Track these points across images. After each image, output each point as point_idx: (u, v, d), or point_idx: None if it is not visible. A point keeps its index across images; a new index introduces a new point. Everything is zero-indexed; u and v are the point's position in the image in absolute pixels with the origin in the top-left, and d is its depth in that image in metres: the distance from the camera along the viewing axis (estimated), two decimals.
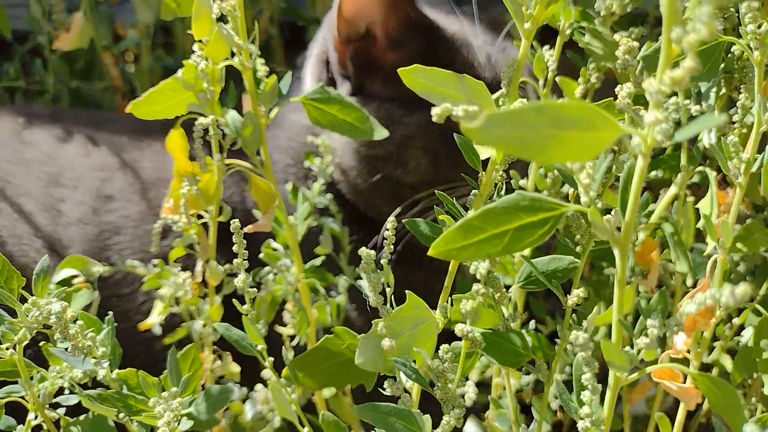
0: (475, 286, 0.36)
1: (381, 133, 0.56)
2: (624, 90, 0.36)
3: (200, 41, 0.48)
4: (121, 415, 0.48)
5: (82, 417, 0.52)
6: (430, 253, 0.33)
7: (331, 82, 0.73)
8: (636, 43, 0.36)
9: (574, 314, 0.55)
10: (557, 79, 0.55)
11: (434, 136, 0.67)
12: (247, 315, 0.42)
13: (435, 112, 0.31)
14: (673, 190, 0.55)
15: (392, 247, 0.40)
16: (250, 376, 0.67)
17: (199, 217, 0.54)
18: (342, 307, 0.68)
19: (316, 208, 0.71)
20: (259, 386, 0.66)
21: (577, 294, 0.41)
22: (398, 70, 0.36)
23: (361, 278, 0.70)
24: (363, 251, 0.36)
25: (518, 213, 0.32)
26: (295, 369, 0.47)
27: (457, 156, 0.65)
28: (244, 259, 0.43)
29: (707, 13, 0.24)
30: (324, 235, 0.68)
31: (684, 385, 0.46)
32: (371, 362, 0.36)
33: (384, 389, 0.37)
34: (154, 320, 0.65)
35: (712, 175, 0.48)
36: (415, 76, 0.36)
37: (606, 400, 0.36)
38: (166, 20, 1.08)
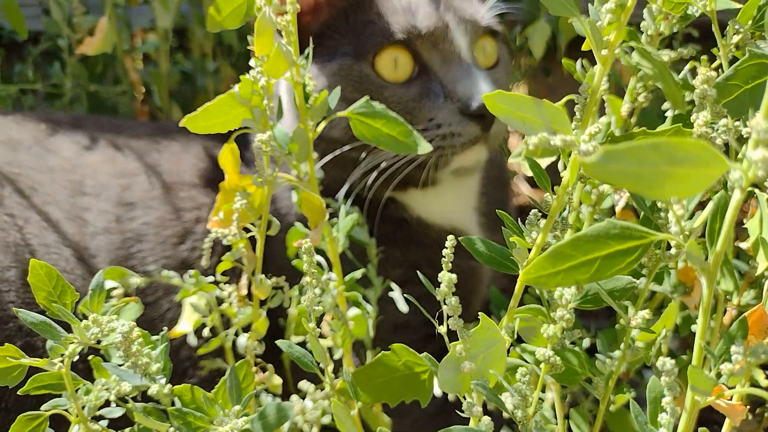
0: (560, 312, 0.36)
1: (425, 147, 0.56)
2: (701, 118, 0.36)
3: (258, 57, 0.48)
4: (171, 429, 0.47)
5: (126, 430, 0.52)
6: (520, 280, 0.33)
7: None
8: (714, 73, 0.36)
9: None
10: (605, 97, 0.55)
11: (349, 84, 0.68)
12: (312, 333, 0.42)
13: (532, 141, 0.31)
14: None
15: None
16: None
17: (246, 230, 0.54)
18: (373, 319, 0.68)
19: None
20: (294, 397, 0.66)
21: (642, 315, 0.41)
22: (483, 96, 0.36)
23: (391, 290, 0.71)
24: (444, 275, 0.36)
25: (608, 241, 0.33)
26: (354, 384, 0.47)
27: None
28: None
29: None
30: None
31: (732, 402, 0.47)
32: (451, 385, 0.36)
33: None
34: (185, 329, 0.65)
35: (762, 197, 0.49)
36: (497, 101, 0.36)
37: (681, 423, 0.37)
38: (181, 24, 1.07)
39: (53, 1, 0.91)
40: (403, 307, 0.67)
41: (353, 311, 0.64)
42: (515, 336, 0.41)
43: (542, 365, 0.38)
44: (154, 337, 0.49)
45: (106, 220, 0.72)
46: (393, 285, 0.69)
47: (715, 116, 0.37)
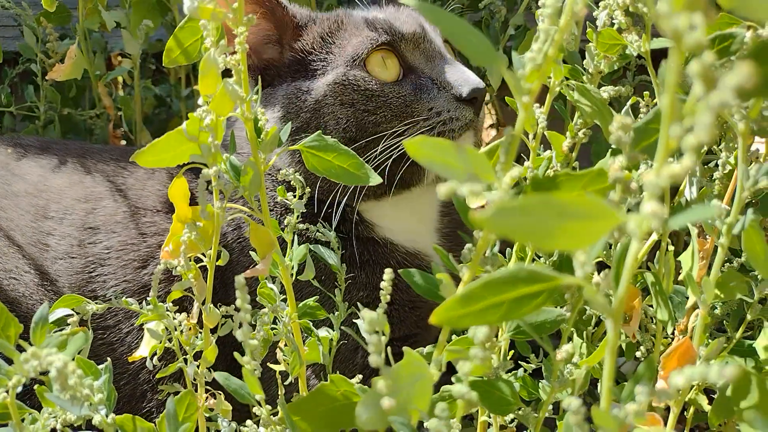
0: (473, 350, 0.37)
1: (375, 179, 0.58)
2: (617, 162, 0.38)
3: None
4: None
5: None
6: (431, 321, 0.34)
7: None
8: (629, 119, 0.38)
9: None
10: (546, 133, 0.57)
11: (347, 89, 0.73)
12: (246, 366, 0.43)
13: (441, 191, 0.33)
14: (654, 237, 0.57)
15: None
16: (237, 407, 0.68)
17: (198, 260, 0.55)
18: (334, 344, 0.69)
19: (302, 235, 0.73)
20: (249, 422, 0.67)
21: (566, 350, 0.43)
22: (403, 142, 0.37)
23: (357, 317, 0.72)
24: (366, 315, 0.37)
25: (517, 283, 0.34)
26: (294, 413, 0.48)
27: (376, 104, 0.71)
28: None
29: (706, 122, 0.26)
30: (307, 262, 0.68)
31: (665, 429, 0.48)
32: (372, 421, 0.37)
33: None
34: (143, 353, 0.66)
35: (693, 231, 0.51)
36: (420, 147, 0.38)
37: None
38: (159, 48, 1.09)
39: (26, 25, 0.92)
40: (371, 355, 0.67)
41: (322, 332, 0.65)
42: (442, 369, 0.42)
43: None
44: (101, 366, 0.50)
45: (68, 244, 0.73)
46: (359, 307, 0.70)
47: (631, 160, 0.38)
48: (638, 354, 0.63)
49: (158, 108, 1.06)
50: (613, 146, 0.61)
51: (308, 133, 0.74)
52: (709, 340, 0.61)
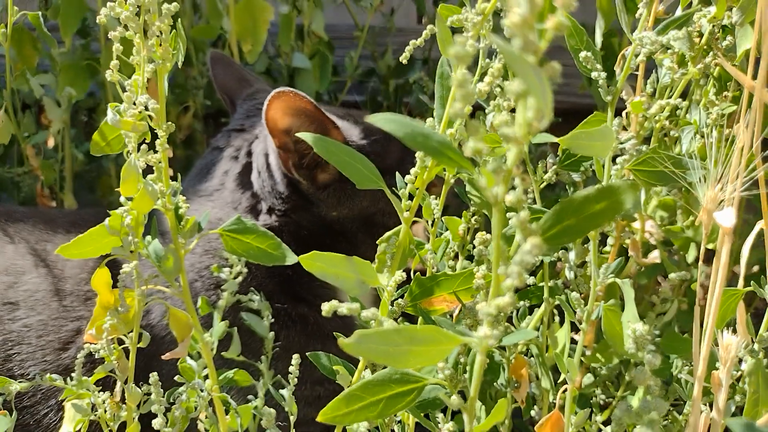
0: None
1: (291, 258, 0.63)
2: (480, 272, 0.44)
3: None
4: None
5: None
6: (318, 419, 0.40)
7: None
8: (489, 235, 0.44)
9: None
10: (443, 219, 0.63)
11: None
12: None
13: (324, 308, 0.39)
14: (540, 311, 0.64)
15: None
16: None
17: (120, 341, 0.59)
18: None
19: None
20: None
21: (447, 428, 0.49)
22: (300, 257, 0.43)
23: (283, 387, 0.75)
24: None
25: (391, 384, 0.40)
26: None
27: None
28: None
29: (516, 270, 0.33)
30: (234, 339, 0.72)
31: None
32: None
33: None
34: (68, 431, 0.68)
35: (568, 310, 0.58)
36: (314, 261, 0.43)
37: None
38: (92, 104, 1.12)
39: None
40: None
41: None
42: None
43: None
44: None
45: None
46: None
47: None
48: (533, 413, 0.70)
49: (89, 165, 1.08)
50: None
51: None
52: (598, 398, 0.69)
